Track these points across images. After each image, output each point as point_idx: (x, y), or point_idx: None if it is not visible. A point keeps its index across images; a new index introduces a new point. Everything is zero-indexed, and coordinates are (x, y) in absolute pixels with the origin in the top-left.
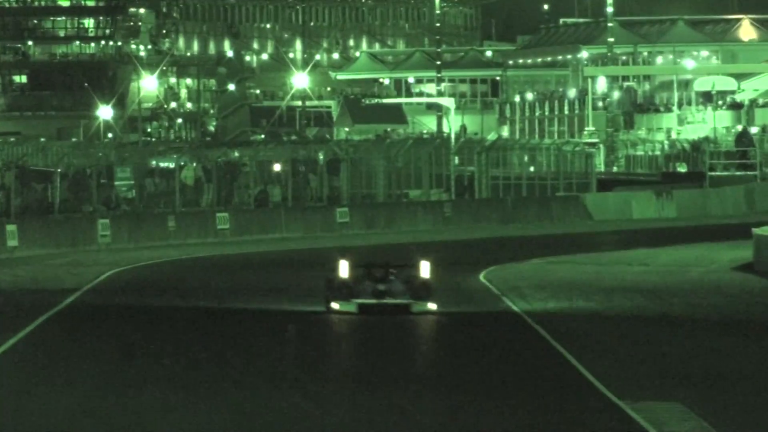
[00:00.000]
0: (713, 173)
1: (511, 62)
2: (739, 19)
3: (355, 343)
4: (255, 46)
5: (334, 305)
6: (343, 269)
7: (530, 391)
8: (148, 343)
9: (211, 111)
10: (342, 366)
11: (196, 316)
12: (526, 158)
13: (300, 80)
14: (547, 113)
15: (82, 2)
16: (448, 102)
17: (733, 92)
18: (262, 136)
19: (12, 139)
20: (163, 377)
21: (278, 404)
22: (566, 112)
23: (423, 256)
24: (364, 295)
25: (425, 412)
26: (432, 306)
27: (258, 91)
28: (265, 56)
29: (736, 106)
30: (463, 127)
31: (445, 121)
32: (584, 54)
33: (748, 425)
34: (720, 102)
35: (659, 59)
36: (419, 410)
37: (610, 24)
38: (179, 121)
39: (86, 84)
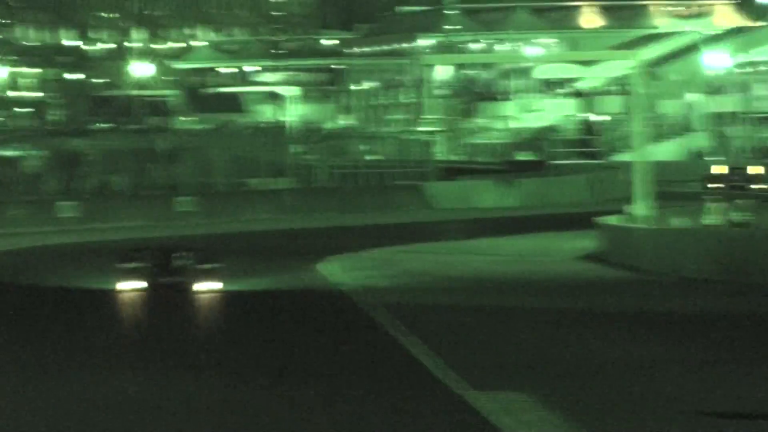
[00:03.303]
0: (556, 161)
1: (350, 51)
2: (580, 6)
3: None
4: (95, 35)
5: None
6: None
7: (373, 380)
8: None
9: (52, 101)
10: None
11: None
12: (364, 147)
13: (139, 69)
14: (386, 102)
15: None
16: (287, 91)
17: (575, 80)
18: (103, 125)
19: None
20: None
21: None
22: (405, 100)
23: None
24: None
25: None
26: None
27: (98, 81)
28: (105, 45)
29: (578, 95)
30: (303, 116)
31: (284, 110)
32: (423, 42)
33: (595, 415)
34: (562, 90)
35: (500, 47)
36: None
37: (449, 12)
38: (20, 110)
39: None
